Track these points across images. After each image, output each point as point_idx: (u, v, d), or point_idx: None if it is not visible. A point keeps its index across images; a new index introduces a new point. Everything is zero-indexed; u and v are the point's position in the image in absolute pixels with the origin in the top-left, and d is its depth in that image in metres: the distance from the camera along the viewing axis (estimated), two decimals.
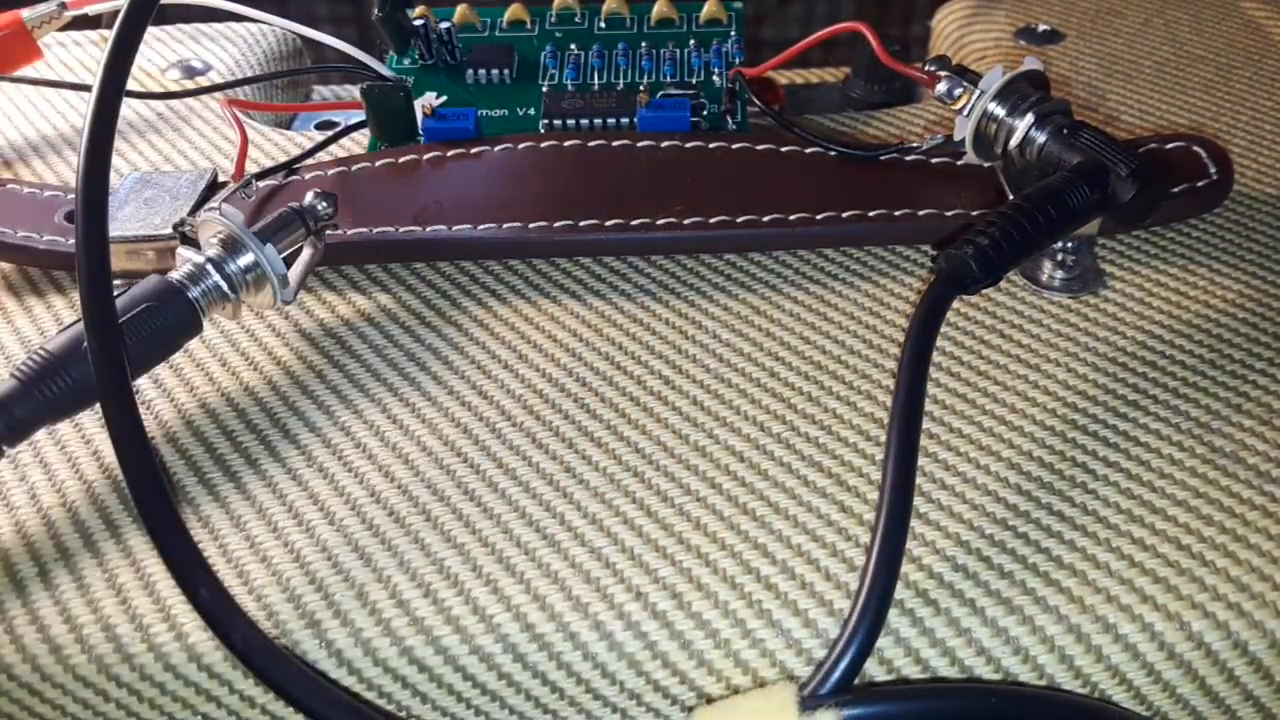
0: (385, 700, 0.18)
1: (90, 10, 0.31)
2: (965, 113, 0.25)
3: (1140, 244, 0.25)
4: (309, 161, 0.28)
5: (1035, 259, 0.24)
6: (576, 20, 0.32)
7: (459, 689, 0.18)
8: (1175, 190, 0.25)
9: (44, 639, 0.18)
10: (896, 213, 0.25)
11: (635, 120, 0.28)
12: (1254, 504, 0.19)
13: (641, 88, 0.29)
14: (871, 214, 0.25)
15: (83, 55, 0.35)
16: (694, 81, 0.29)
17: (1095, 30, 0.34)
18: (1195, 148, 0.27)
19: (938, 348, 0.23)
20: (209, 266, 0.21)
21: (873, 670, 0.18)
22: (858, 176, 0.26)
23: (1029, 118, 0.24)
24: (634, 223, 0.25)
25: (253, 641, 0.16)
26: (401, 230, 0.25)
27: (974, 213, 0.25)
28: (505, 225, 0.25)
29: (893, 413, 0.19)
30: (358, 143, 0.30)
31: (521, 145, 0.27)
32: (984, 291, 0.24)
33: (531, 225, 0.25)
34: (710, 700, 0.18)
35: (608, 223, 0.25)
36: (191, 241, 0.23)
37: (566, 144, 0.27)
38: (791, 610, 0.18)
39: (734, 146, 0.27)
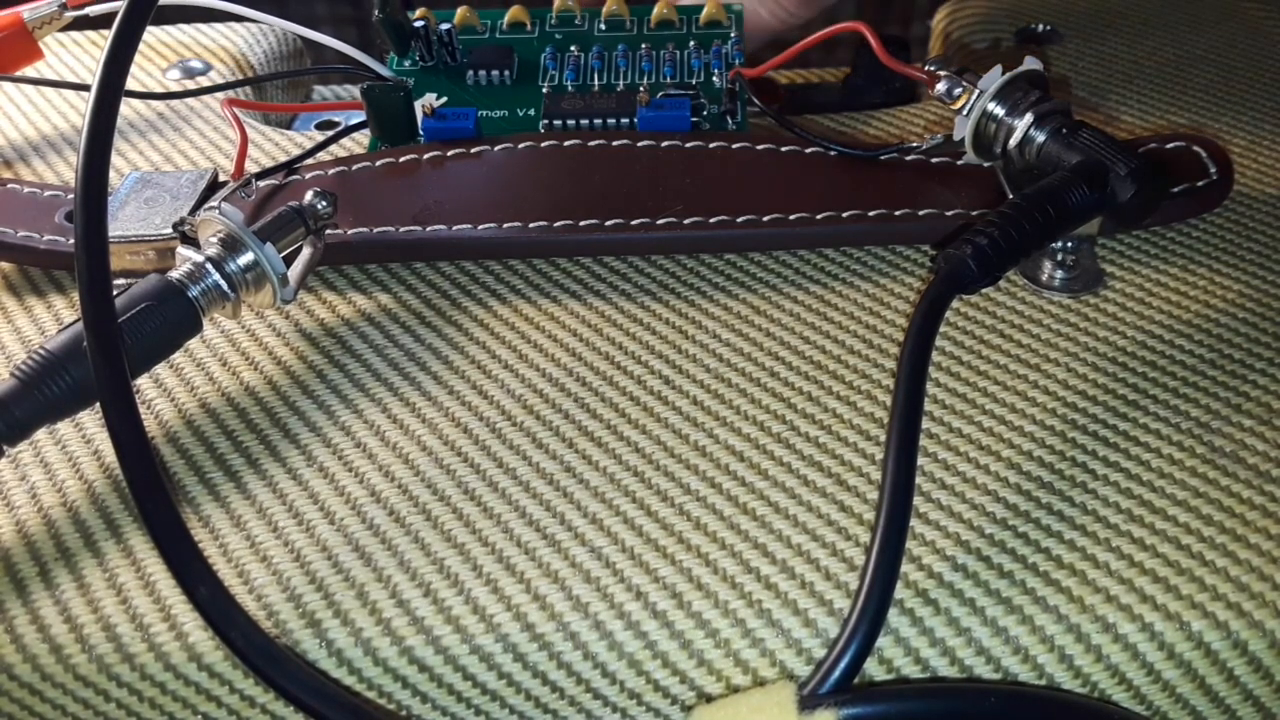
0: (385, 700, 0.18)
1: (91, 11, 0.31)
2: (965, 112, 0.25)
3: (1140, 244, 0.25)
4: (309, 161, 0.28)
5: (1035, 259, 0.24)
6: (576, 22, 0.32)
7: (459, 689, 0.18)
8: (1175, 190, 0.25)
9: (44, 639, 0.18)
10: (896, 213, 0.25)
11: (635, 120, 0.28)
12: (1254, 504, 0.19)
13: (641, 88, 0.29)
14: (871, 214, 0.25)
15: (83, 55, 0.35)
16: (694, 82, 0.29)
17: (1095, 30, 0.34)
18: (1195, 148, 0.27)
19: (938, 348, 0.23)
20: (209, 266, 0.21)
21: (872, 670, 0.18)
22: (858, 176, 0.26)
23: (1028, 117, 0.24)
24: (634, 223, 0.25)
25: (253, 640, 0.16)
26: (401, 230, 0.25)
27: (974, 213, 0.25)
28: (505, 225, 0.25)
29: (893, 412, 0.19)
30: (358, 143, 0.30)
31: (522, 145, 0.27)
32: (984, 291, 0.24)
33: (531, 225, 0.25)
34: (710, 699, 0.18)
35: (608, 223, 0.25)
36: (191, 241, 0.23)
37: (566, 144, 0.27)
38: (791, 610, 0.18)
39: (734, 146, 0.27)
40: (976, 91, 0.24)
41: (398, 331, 0.24)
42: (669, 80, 0.30)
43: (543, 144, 0.27)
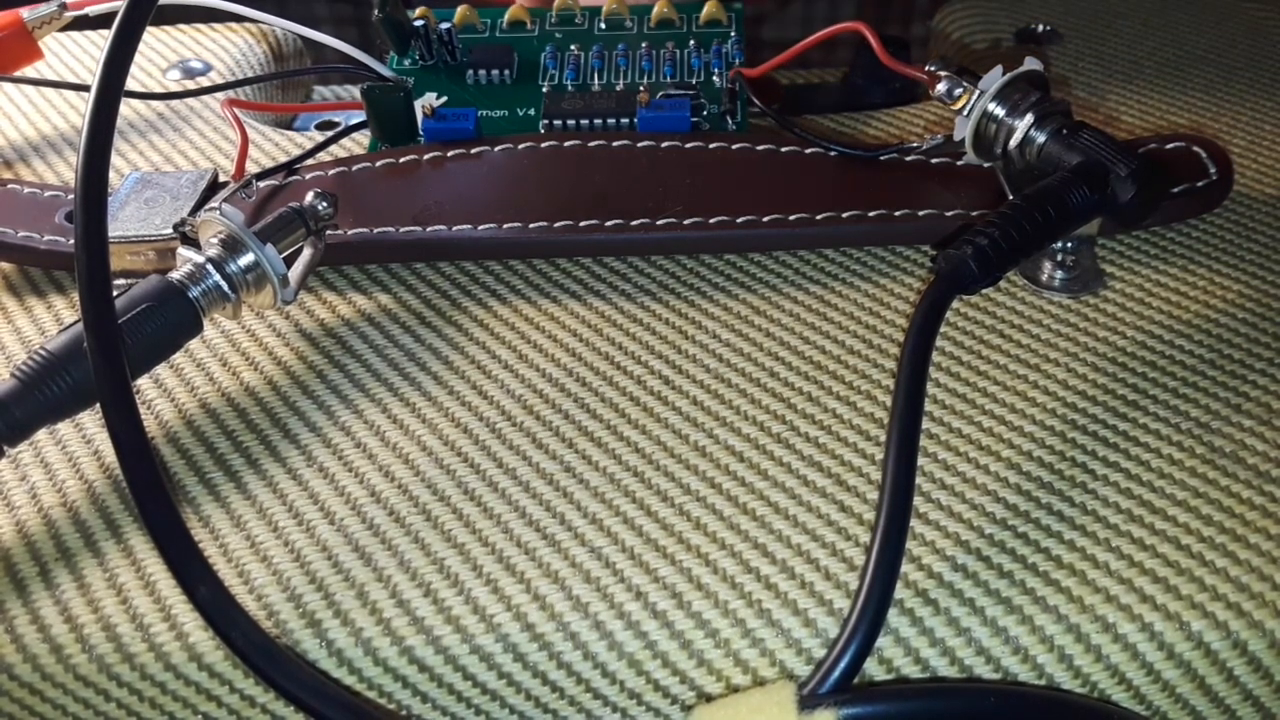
0: (386, 699, 0.18)
1: (91, 11, 0.31)
2: (965, 113, 0.25)
3: (1140, 244, 0.25)
4: (309, 161, 0.28)
5: (1035, 259, 0.24)
6: (576, 21, 0.32)
7: (459, 688, 0.18)
8: (1175, 190, 0.25)
9: (45, 639, 0.18)
10: (896, 213, 0.25)
11: (635, 120, 0.28)
12: (1254, 504, 0.19)
13: (642, 88, 0.29)
14: (871, 214, 0.25)
15: (83, 56, 0.35)
16: (694, 82, 0.29)
17: (1095, 30, 0.34)
18: (1195, 148, 0.27)
19: (938, 348, 0.23)
20: (209, 266, 0.21)
21: (872, 670, 0.18)
22: (857, 176, 0.26)
23: (1029, 118, 0.24)
24: (634, 223, 0.25)
25: (253, 640, 0.16)
26: (401, 230, 0.25)
27: (974, 213, 0.25)
28: (505, 225, 0.25)
29: (893, 412, 0.19)
30: (358, 143, 0.30)
31: (521, 145, 0.27)
32: (984, 291, 0.24)
33: (531, 225, 0.25)
34: (710, 699, 0.18)
35: (608, 223, 0.25)
36: (192, 241, 0.23)
37: (566, 144, 0.27)
38: (791, 610, 0.18)
39: (734, 146, 0.27)
40: (977, 92, 0.24)
41: (398, 331, 0.24)
42: (669, 80, 0.30)
43: (543, 144, 0.27)
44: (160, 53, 0.35)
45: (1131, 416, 0.21)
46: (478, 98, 0.30)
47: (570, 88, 0.30)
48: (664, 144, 0.27)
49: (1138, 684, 0.18)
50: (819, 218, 0.25)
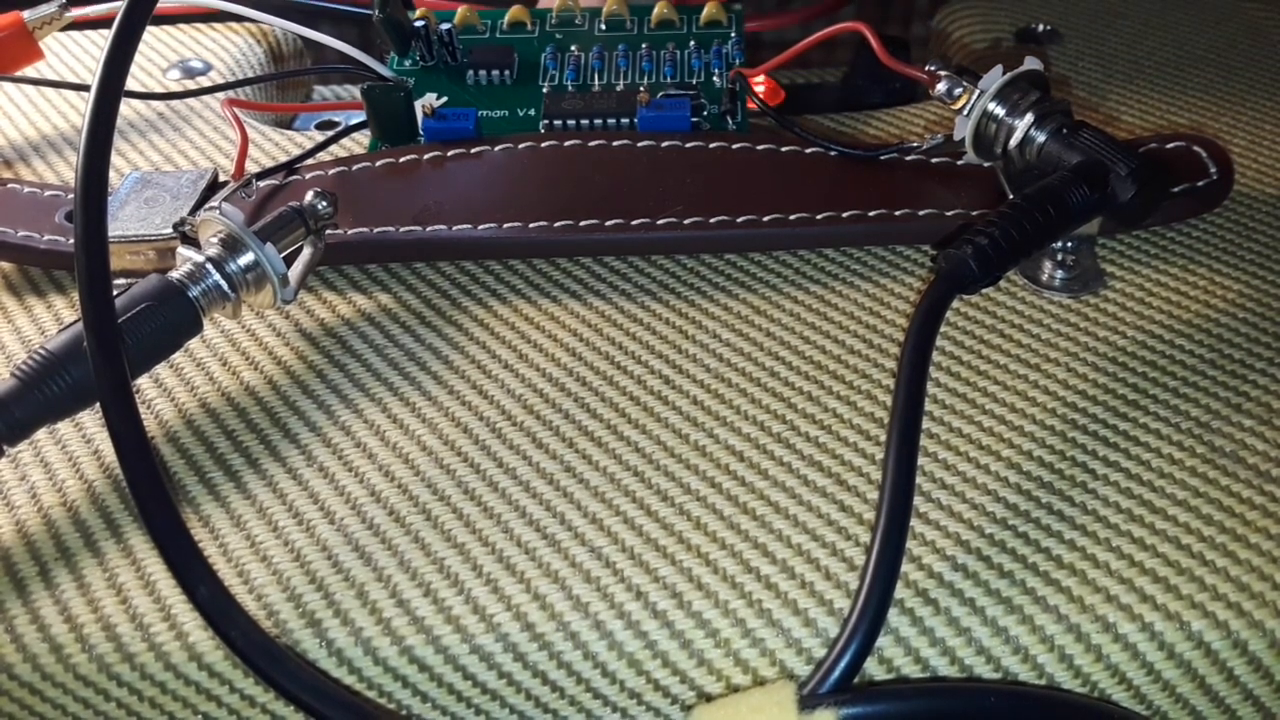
0: (386, 699, 0.18)
1: (91, 11, 0.31)
2: (965, 112, 0.25)
3: (1140, 244, 0.25)
4: (309, 161, 0.28)
5: (1035, 259, 0.24)
6: (577, 22, 0.32)
7: (459, 688, 0.18)
8: (1175, 190, 0.25)
9: (45, 638, 0.18)
10: (896, 213, 0.25)
11: (635, 120, 0.28)
12: (1254, 504, 0.19)
13: (642, 88, 0.29)
14: (871, 214, 0.25)
15: (83, 55, 0.35)
16: (694, 83, 0.29)
17: (1095, 30, 0.34)
18: (1195, 147, 0.27)
19: (938, 348, 0.23)
20: (209, 266, 0.21)
21: (872, 669, 0.18)
22: (858, 176, 0.26)
23: (1029, 117, 0.24)
24: (634, 223, 0.25)
25: (253, 640, 0.16)
26: (402, 230, 0.25)
27: (974, 213, 0.25)
28: (505, 225, 0.25)
29: (893, 412, 0.19)
30: (358, 143, 0.30)
31: (522, 145, 0.27)
32: (984, 291, 0.24)
33: (531, 225, 0.25)
34: (710, 699, 0.18)
35: (608, 223, 0.25)
36: (192, 241, 0.23)
37: (567, 144, 0.27)
38: (791, 610, 0.18)
39: (734, 146, 0.27)
40: (977, 91, 0.24)
41: (398, 331, 0.24)
42: (669, 80, 0.30)
43: (543, 144, 0.27)
44: (160, 53, 0.35)
45: (1132, 416, 0.21)
46: (478, 98, 0.30)
47: (570, 88, 0.30)
48: (664, 144, 0.27)
49: (1138, 684, 0.18)
50: (819, 217, 0.25)
